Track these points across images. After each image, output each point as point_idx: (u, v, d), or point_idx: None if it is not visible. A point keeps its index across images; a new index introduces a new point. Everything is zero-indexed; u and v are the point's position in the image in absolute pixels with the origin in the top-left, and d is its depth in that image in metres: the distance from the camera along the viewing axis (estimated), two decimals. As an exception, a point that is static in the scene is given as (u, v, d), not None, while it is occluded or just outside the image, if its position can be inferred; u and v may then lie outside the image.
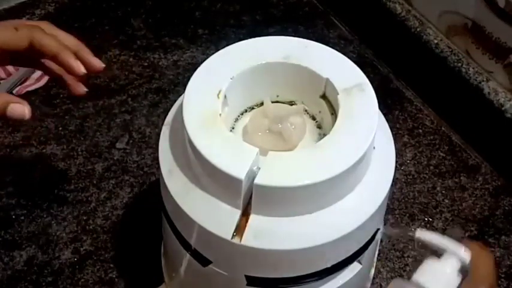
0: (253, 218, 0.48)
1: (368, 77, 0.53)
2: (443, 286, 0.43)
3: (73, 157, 0.76)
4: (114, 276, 0.67)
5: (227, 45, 0.55)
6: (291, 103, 0.57)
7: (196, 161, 0.48)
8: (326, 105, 0.54)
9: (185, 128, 0.49)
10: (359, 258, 0.54)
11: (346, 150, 0.48)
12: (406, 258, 0.69)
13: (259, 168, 0.47)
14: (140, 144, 0.78)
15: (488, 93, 0.75)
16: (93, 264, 0.67)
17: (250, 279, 0.50)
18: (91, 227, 0.70)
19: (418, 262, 0.46)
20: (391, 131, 0.55)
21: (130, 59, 0.87)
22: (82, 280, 0.66)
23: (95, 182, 0.74)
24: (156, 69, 0.86)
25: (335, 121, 0.50)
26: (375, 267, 0.66)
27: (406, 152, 0.78)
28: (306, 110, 0.56)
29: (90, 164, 0.75)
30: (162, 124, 0.55)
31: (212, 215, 0.48)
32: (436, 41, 0.79)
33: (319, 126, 0.55)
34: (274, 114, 0.53)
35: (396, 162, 0.53)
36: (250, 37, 0.56)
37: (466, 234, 0.71)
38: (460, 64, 0.77)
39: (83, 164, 0.75)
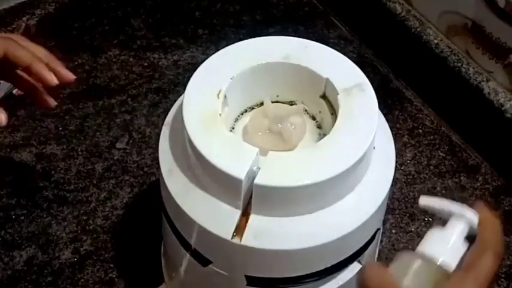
0: (253, 218, 0.48)
1: (368, 77, 0.53)
2: (450, 254, 0.42)
3: (73, 157, 0.76)
4: (114, 276, 0.67)
5: (227, 45, 0.55)
6: (291, 103, 0.57)
7: (196, 161, 0.48)
8: (326, 105, 0.54)
9: (185, 128, 0.49)
10: (359, 258, 0.54)
11: (346, 150, 0.48)
12: (406, 258, 0.69)
13: (259, 168, 0.47)
14: (140, 144, 0.78)
15: (488, 93, 0.75)
16: (93, 264, 0.67)
17: (250, 279, 0.50)
18: (91, 227, 0.70)
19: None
20: (391, 131, 0.55)
21: (131, 59, 0.87)
22: (82, 280, 0.66)
23: (95, 182, 0.74)
24: (156, 69, 0.86)
25: (335, 121, 0.50)
26: (375, 267, 0.66)
27: (406, 152, 0.78)
28: (306, 110, 0.56)
29: (90, 164, 0.75)
30: (162, 124, 0.55)
31: (212, 215, 0.48)
32: (436, 41, 0.79)
33: (319, 126, 0.55)
34: (274, 114, 0.53)
35: (396, 162, 0.53)
36: (250, 37, 0.56)
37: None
38: (460, 64, 0.77)
39: (83, 164, 0.75)
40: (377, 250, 0.64)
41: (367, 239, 0.53)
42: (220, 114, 0.50)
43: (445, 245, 0.42)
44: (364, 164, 0.50)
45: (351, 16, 0.92)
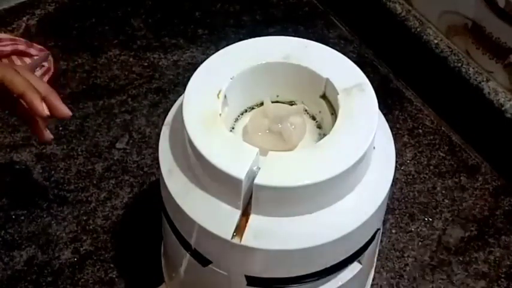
0: (253, 218, 0.48)
1: (368, 77, 0.53)
2: None
3: (73, 157, 0.76)
4: (114, 276, 0.67)
5: (227, 45, 0.55)
6: (291, 103, 0.57)
7: (196, 161, 0.48)
8: (326, 105, 0.54)
9: (185, 128, 0.49)
10: (359, 258, 0.54)
11: (346, 150, 0.48)
12: (406, 258, 0.69)
13: (259, 168, 0.47)
14: (140, 144, 0.78)
15: (488, 93, 0.75)
16: (93, 264, 0.67)
17: (250, 279, 0.50)
18: (91, 227, 0.70)
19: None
20: (391, 131, 0.55)
21: (130, 59, 0.87)
22: (82, 280, 0.66)
23: (95, 182, 0.74)
24: (156, 69, 0.86)
25: (335, 121, 0.50)
26: (375, 267, 0.66)
27: (406, 152, 0.78)
28: (306, 110, 0.56)
29: (90, 164, 0.75)
30: (162, 124, 0.55)
31: (212, 215, 0.48)
32: (436, 41, 0.79)
33: (319, 126, 0.55)
34: (274, 114, 0.53)
35: (396, 162, 0.53)
36: (250, 37, 0.56)
37: (466, 234, 0.71)
38: (460, 64, 0.77)
39: (83, 164, 0.75)
40: (377, 250, 0.64)
41: (367, 239, 0.53)
42: (220, 114, 0.50)
43: None
44: (364, 164, 0.50)
45: (351, 16, 0.92)
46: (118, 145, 0.78)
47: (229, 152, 0.47)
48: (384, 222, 0.68)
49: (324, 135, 0.52)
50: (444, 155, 0.78)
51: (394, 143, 0.55)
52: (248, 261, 0.50)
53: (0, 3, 0.91)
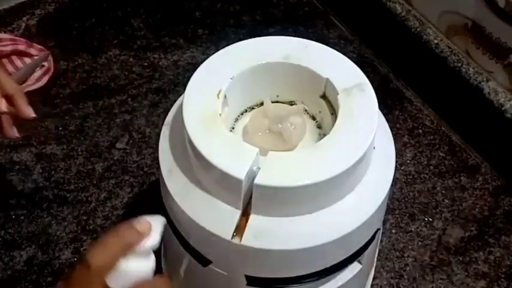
0: (253, 218, 0.48)
1: (368, 77, 0.53)
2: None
3: (73, 157, 0.76)
4: (114, 276, 0.67)
5: (227, 45, 0.55)
6: (291, 103, 0.57)
7: (196, 161, 0.48)
8: (326, 105, 0.54)
9: (185, 128, 0.49)
10: (359, 258, 0.54)
11: (346, 150, 0.48)
12: (406, 258, 0.69)
13: (259, 168, 0.47)
14: (140, 144, 0.78)
15: (488, 93, 0.75)
16: (93, 264, 0.67)
17: (250, 279, 0.50)
18: (91, 227, 0.70)
19: None
20: (391, 131, 0.55)
21: (130, 59, 0.87)
22: (82, 280, 0.66)
23: (95, 182, 0.74)
24: (156, 69, 0.86)
25: (335, 121, 0.50)
26: (375, 267, 0.66)
27: (406, 152, 0.78)
28: (306, 110, 0.56)
29: (90, 164, 0.75)
30: (162, 124, 0.55)
31: (212, 215, 0.48)
32: (436, 41, 0.79)
33: (319, 126, 0.55)
34: (274, 114, 0.53)
35: (396, 162, 0.53)
36: (250, 37, 0.56)
37: (466, 234, 0.71)
38: (460, 64, 0.77)
39: (83, 164, 0.75)
40: (377, 250, 0.64)
41: (367, 239, 0.53)
42: (220, 114, 0.50)
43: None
44: (364, 164, 0.50)
45: (351, 16, 0.92)
46: (118, 145, 0.78)
47: (229, 152, 0.47)
48: (384, 222, 0.68)
49: (324, 135, 0.52)
50: (444, 155, 0.78)
51: (394, 143, 0.55)
52: (248, 261, 0.50)
53: (0, 3, 0.91)
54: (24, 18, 0.90)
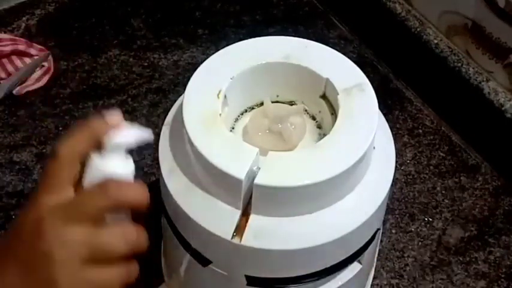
0: (253, 218, 0.48)
1: (368, 77, 0.53)
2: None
3: (73, 157, 0.76)
4: (114, 276, 0.66)
5: (227, 45, 0.55)
6: (291, 103, 0.57)
7: (196, 161, 0.48)
8: (326, 105, 0.54)
9: (185, 128, 0.49)
10: (359, 258, 0.54)
11: (346, 150, 0.48)
12: (406, 258, 0.69)
13: (259, 168, 0.47)
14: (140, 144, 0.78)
15: (488, 93, 0.75)
16: (93, 264, 0.67)
17: (250, 279, 0.50)
18: (91, 227, 0.70)
19: None
20: (391, 131, 0.55)
21: (130, 59, 0.87)
22: (82, 280, 0.66)
23: (95, 182, 0.74)
24: (156, 69, 0.86)
25: (335, 121, 0.50)
26: (375, 267, 0.66)
27: (406, 152, 0.78)
28: (306, 110, 0.56)
29: (90, 164, 0.75)
30: (162, 124, 0.54)
31: (212, 215, 0.48)
32: (436, 41, 0.79)
33: (319, 126, 0.55)
34: (274, 114, 0.53)
35: (396, 162, 0.53)
36: (250, 37, 0.56)
37: (466, 234, 0.71)
38: (460, 64, 0.77)
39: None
40: (377, 250, 0.64)
41: (367, 239, 0.53)
42: (220, 114, 0.50)
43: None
44: (364, 164, 0.50)
45: (351, 16, 0.92)
46: (118, 145, 0.77)
47: (229, 152, 0.47)
48: (384, 222, 0.68)
49: (324, 135, 0.52)
50: (444, 155, 0.78)
51: (394, 143, 0.55)
52: (248, 261, 0.50)
53: (0, 3, 0.91)
54: (24, 18, 0.90)
